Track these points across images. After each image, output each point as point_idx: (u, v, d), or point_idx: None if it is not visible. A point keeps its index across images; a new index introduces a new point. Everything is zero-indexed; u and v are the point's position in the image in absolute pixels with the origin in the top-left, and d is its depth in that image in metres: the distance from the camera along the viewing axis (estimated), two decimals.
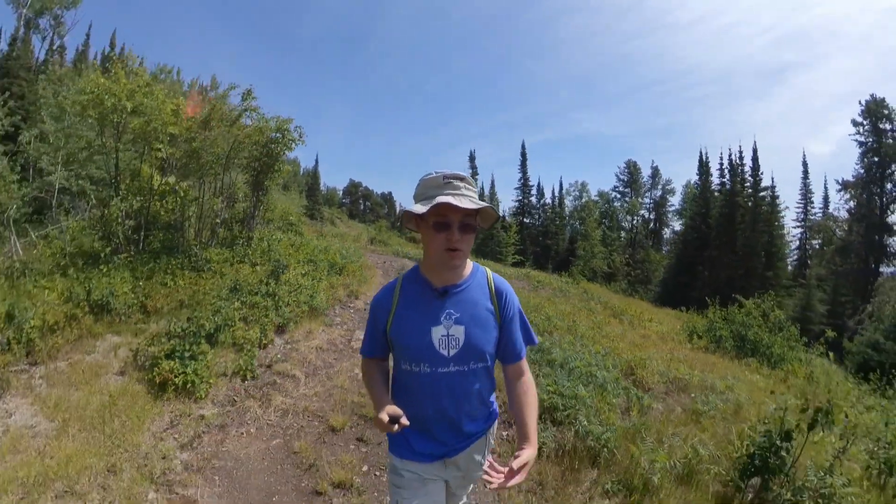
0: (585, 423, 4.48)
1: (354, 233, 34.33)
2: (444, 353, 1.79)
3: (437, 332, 1.79)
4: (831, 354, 9.11)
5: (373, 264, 15.50)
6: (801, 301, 32.72)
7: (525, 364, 1.98)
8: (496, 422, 2.08)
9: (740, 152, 41.96)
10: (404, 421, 1.66)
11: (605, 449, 4.27)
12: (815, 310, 32.02)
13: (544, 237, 53.65)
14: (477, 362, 1.84)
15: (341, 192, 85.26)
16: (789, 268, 44.89)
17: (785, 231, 45.50)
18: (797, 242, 49.40)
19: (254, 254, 10.65)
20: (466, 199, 1.69)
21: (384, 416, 1.65)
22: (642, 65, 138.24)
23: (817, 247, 46.57)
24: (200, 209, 10.83)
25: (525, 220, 55.25)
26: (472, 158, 62.85)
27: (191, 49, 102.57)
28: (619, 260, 45.29)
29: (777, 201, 43.92)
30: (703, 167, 45.88)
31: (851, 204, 42.99)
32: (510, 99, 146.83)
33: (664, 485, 3.96)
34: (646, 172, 60.65)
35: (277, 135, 11.36)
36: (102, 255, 8.90)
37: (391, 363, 2.04)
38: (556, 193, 60.70)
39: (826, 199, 47.39)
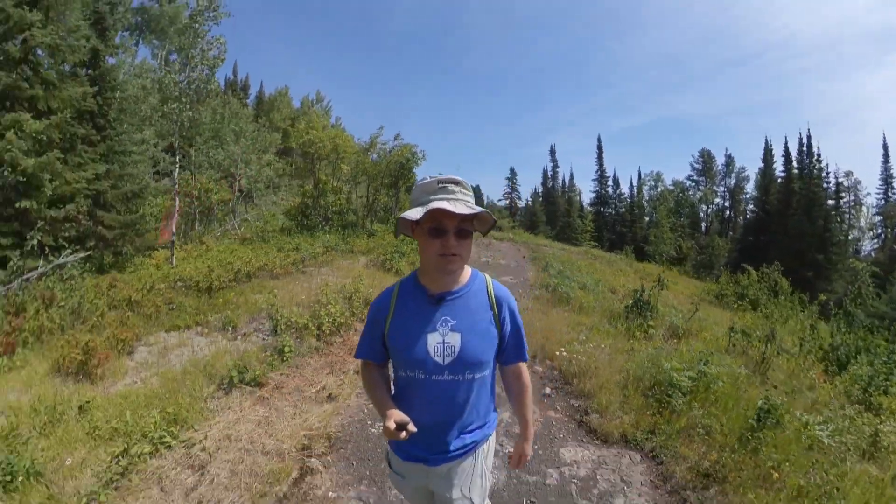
0: (564, 289, 10.13)
1: None
2: (439, 360, 1.74)
3: (433, 340, 1.74)
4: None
5: None
6: (850, 282, 35.21)
7: (523, 366, 2.00)
8: (491, 440, 2.02)
9: (806, 138, 42.11)
10: (412, 427, 1.65)
11: (571, 297, 9.88)
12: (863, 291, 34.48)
13: (620, 225, 55.58)
14: (473, 372, 1.78)
15: None
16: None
17: (851, 216, 46.34)
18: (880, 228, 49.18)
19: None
20: (462, 204, 1.65)
21: (391, 424, 1.63)
22: (737, 37, 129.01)
23: None
24: (368, 201, 17.45)
25: (602, 209, 57.61)
26: (552, 152, 67.33)
27: (280, 56, 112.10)
28: (687, 246, 46.71)
29: (848, 188, 44.59)
30: (767, 154, 46.19)
31: None
32: (596, 83, 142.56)
33: (593, 309, 9.47)
34: (720, 160, 60.84)
35: (409, 155, 17.65)
36: (318, 225, 15.52)
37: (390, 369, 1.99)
38: (635, 183, 61.79)
39: None
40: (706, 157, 61.32)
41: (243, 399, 5.01)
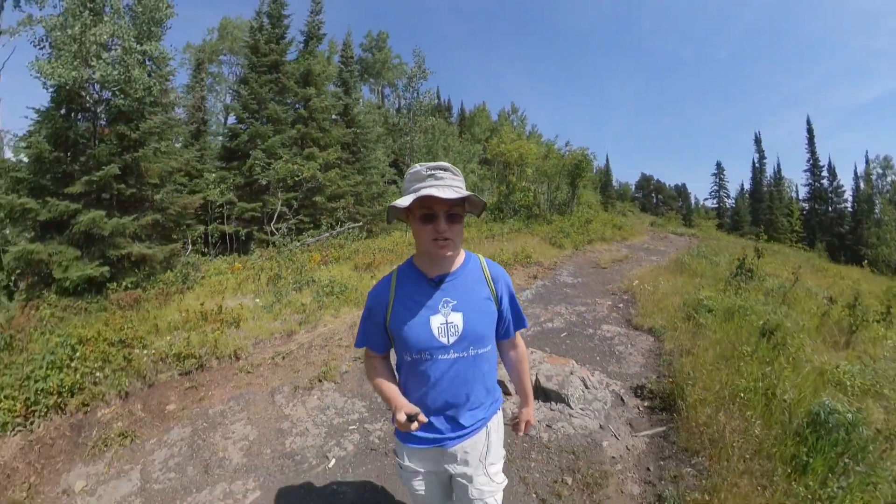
0: (688, 261, 12.12)
1: (639, 220, 40.66)
2: (444, 340, 1.77)
3: (436, 321, 1.77)
4: None
5: (643, 231, 23.54)
6: None
7: (518, 338, 2.09)
8: (499, 415, 2.04)
9: None
10: (422, 418, 1.69)
11: (689, 267, 11.84)
12: None
13: (838, 225, 47.81)
14: (477, 348, 1.83)
15: (634, 187, 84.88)
16: None
17: None
18: None
19: (578, 219, 19.90)
20: (450, 190, 1.66)
21: (402, 416, 1.67)
22: None
23: None
24: (548, 195, 20.73)
25: (816, 205, 49.94)
26: (757, 141, 59.79)
27: (476, 74, 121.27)
28: None
29: None
30: None
31: None
32: (820, 47, 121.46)
33: (704, 275, 11.28)
34: None
35: (581, 157, 20.48)
36: (509, 216, 19.22)
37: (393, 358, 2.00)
38: (861, 173, 51.02)
39: None
40: None
41: None
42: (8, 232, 10.82)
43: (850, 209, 49.30)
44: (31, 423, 4.70)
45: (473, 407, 1.89)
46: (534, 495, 3.58)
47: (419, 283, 1.83)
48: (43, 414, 4.81)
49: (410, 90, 17.56)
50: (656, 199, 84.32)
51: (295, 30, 19.81)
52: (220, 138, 20.32)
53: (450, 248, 1.72)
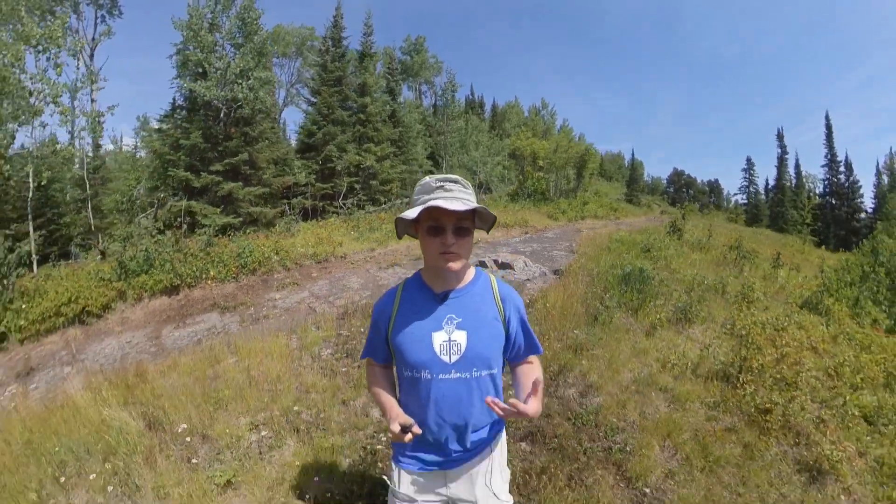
0: (646, 226, 16.48)
1: (657, 207, 44.13)
2: (446, 359, 1.69)
3: (439, 338, 1.70)
4: None
5: (642, 214, 27.60)
6: None
7: (535, 358, 1.93)
8: (503, 434, 1.98)
9: None
10: (416, 430, 1.65)
11: (644, 229, 16.25)
12: None
13: (854, 220, 48.13)
14: (480, 369, 1.73)
15: (666, 182, 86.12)
16: None
17: None
18: None
19: (578, 201, 24.31)
20: (459, 202, 1.58)
21: (395, 427, 1.63)
22: None
23: None
24: (556, 183, 25.23)
25: (834, 201, 50.27)
26: (779, 137, 58.43)
27: (510, 71, 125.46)
28: None
29: None
30: None
31: None
32: (875, 40, 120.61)
33: (653, 233, 15.67)
34: None
35: (584, 149, 24.94)
36: (523, 199, 23.78)
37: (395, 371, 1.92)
38: (883, 167, 50.85)
39: None
40: None
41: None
42: (162, 195, 15.99)
43: (871, 206, 49.42)
44: (239, 278, 9.63)
45: (477, 428, 1.79)
46: None
47: (424, 297, 1.77)
48: (246, 274, 9.75)
49: (443, 99, 22.38)
50: (687, 193, 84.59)
51: (352, 46, 25.12)
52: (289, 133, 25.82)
53: (457, 262, 1.65)
